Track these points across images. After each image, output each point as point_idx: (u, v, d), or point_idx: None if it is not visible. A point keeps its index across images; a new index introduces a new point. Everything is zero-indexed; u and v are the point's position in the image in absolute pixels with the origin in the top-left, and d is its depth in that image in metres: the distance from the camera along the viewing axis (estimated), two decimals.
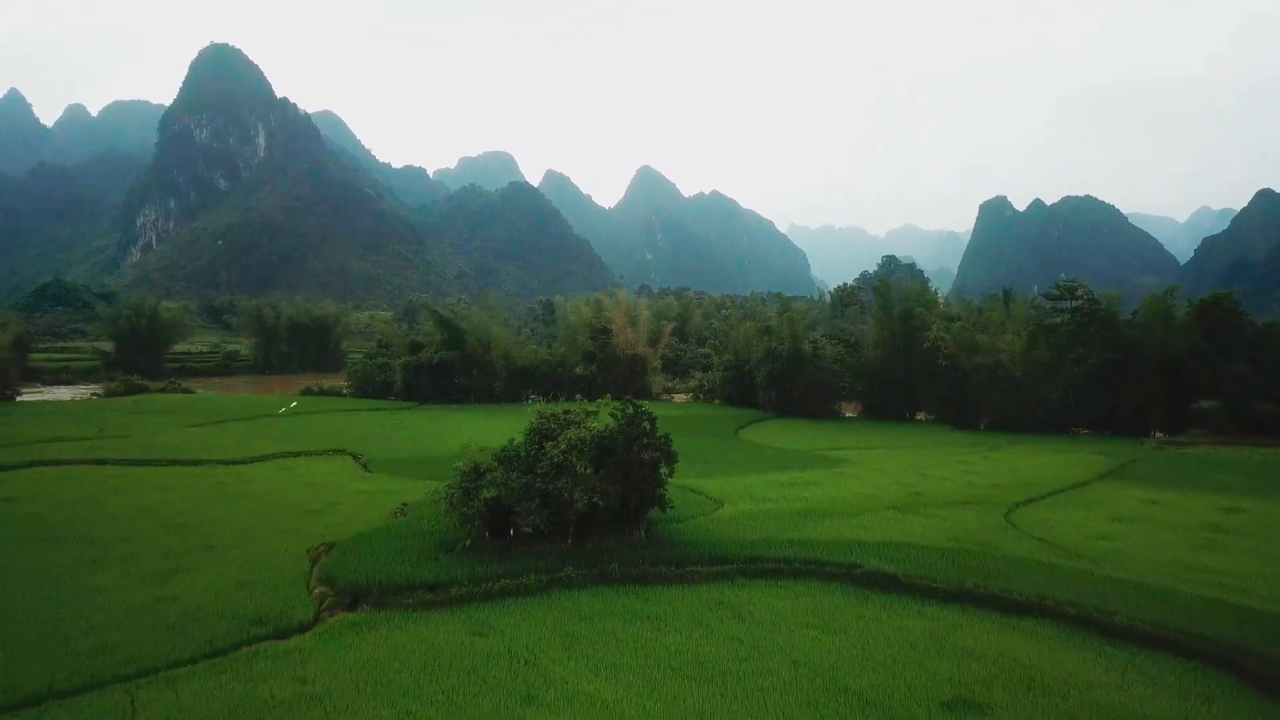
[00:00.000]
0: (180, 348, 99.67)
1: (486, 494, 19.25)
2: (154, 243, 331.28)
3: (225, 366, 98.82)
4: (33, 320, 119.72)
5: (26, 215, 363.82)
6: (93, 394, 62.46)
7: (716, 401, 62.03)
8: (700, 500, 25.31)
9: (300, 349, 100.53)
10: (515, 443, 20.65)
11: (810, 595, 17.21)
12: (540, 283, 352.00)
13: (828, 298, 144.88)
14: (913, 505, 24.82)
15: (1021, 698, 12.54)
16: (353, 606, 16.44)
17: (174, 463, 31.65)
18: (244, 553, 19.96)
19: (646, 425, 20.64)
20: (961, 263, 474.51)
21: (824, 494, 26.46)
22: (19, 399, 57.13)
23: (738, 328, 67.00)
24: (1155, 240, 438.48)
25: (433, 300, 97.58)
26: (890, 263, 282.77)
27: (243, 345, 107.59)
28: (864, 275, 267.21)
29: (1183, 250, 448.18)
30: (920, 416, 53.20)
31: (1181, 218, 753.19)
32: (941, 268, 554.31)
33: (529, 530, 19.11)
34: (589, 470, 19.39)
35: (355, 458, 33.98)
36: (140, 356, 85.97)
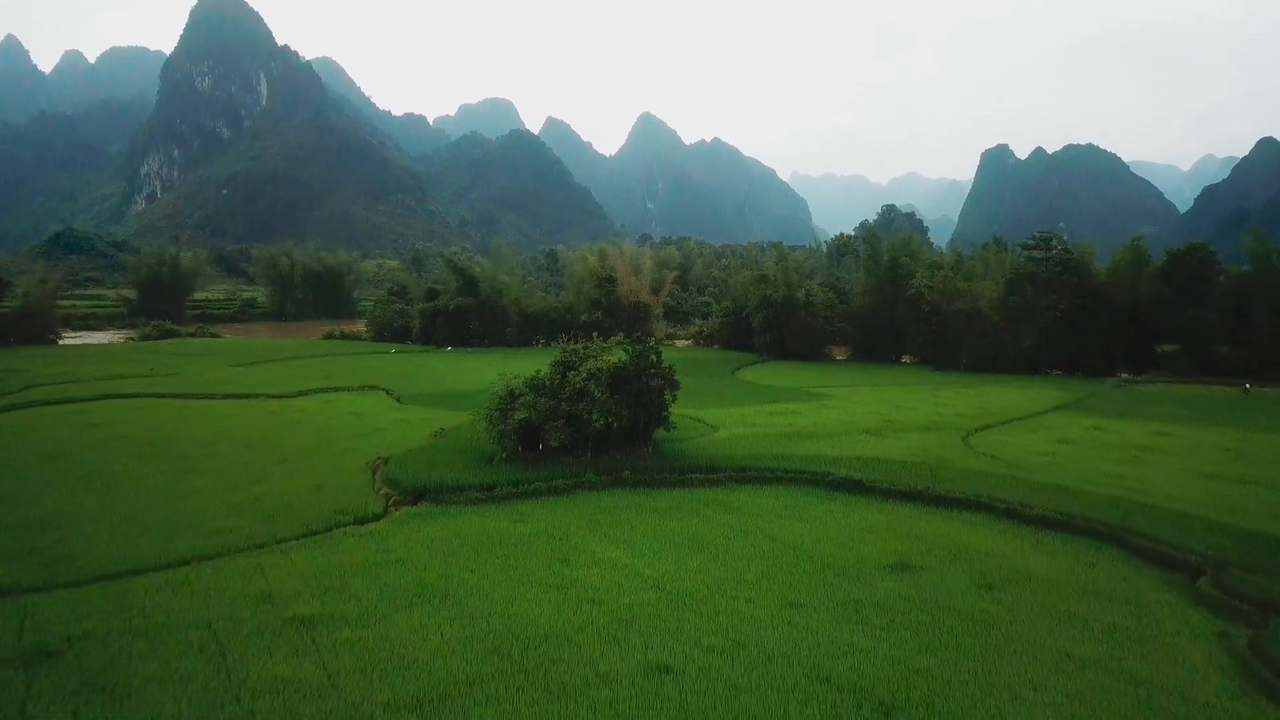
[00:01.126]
0: (199, 295, 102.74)
1: (519, 415, 22.70)
2: (158, 192, 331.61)
3: (243, 313, 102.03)
4: (49, 268, 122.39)
5: (29, 164, 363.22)
6: (127, 338, 65.78)
7: (715, 346, 65.28)
8: (699, 425, 28.75)
9: (315, 296, 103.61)
10: (542, 373, 24.03)
11: (789, 495, 20.74)
12: (541, 231, 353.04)
13: (824, 247, 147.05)
14: (884, 430, 28.30)
15: (948, 563, 16.05)
16: (414, 503, 19.97)
17: (228, 396, 35.10)
18: (312, 465, 23.48)
19: (654, 358, 23.99)
20: (962, 211, 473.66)
21: (807, 421, 29.94)
22: (60, 342, 60.44)
23: (736, 276, 69.96)
24: (1156, 189, 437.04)
25: (445, 250, 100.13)
26: (890, 212, 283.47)
27: (259, 293, 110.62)
28: (863, 224, 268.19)
29: (1186, 199, 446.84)
30: (905, 359, 56.48)
31: (1186, 166, 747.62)
32: (943, 216, 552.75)
33: (555, 444, 22.62)
34: (605, 395, 22.78)
35: (388, 392, 37.45)
36: (163, 303, 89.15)
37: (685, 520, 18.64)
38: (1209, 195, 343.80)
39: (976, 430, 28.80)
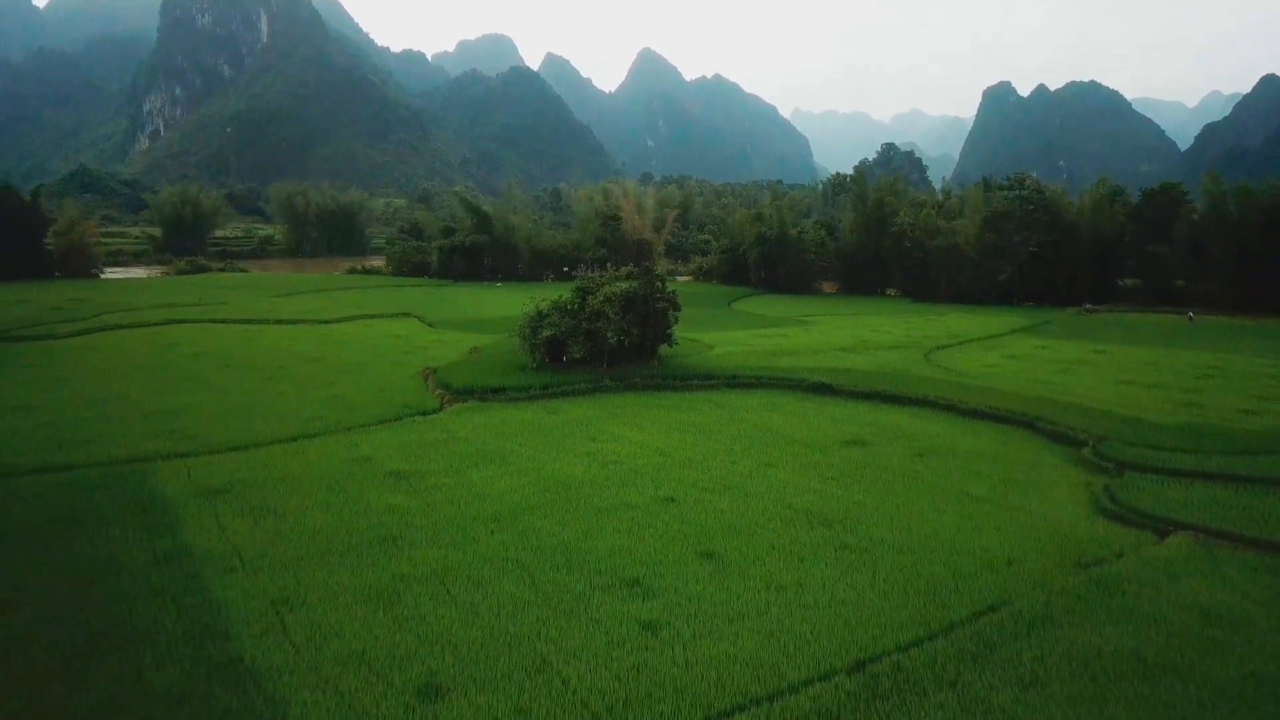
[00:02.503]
0: (218, 233, 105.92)
1: (546, 332, 26.77)
2: (161, 129, 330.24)
3: (261, 250, 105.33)
4: (82, 207, 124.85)
5: (30, 101, 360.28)
6: (163, 273, 69.49)
7: (714, 281, 68.89)
8: (697, 345, 32.79)
9: (329, 234, 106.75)
10: (564, 298, 27.98)
11: (770, 396, 24.89)
12: (543, 170, 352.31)
13: (820, 186, 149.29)
14: (857, 348, 32.38)
15: (891, 440, 20.22)
16: (463, 401, 24.13)
17: (278, 322, 39.08)
18: (371, 374, 27.62)
19: (659, 284, 27.94)
20: (963, 149, 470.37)
21: (791, 342, 34.02)
22: (101, 276, 64.17)
23: (734, 215, 73.22)
24: (1157, 126, 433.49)
25: (457, 189, 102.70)
26: (889, 150, 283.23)
27: (275, 230, 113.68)
28: (863, 162, 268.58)
29: (1190, 136, 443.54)
30: (890, 292, 60.24)
31: (1192, 102, 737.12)
32: (944, 154, 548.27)
33: (577, 356, 26.73)
34: (618, 316, 26.78)
35: (420, 319, 41.44)
36: (186, 240, 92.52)
37: (685, 413, 22.83)
38: (1209, 133, 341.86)
39: (938, 348, 32.87)
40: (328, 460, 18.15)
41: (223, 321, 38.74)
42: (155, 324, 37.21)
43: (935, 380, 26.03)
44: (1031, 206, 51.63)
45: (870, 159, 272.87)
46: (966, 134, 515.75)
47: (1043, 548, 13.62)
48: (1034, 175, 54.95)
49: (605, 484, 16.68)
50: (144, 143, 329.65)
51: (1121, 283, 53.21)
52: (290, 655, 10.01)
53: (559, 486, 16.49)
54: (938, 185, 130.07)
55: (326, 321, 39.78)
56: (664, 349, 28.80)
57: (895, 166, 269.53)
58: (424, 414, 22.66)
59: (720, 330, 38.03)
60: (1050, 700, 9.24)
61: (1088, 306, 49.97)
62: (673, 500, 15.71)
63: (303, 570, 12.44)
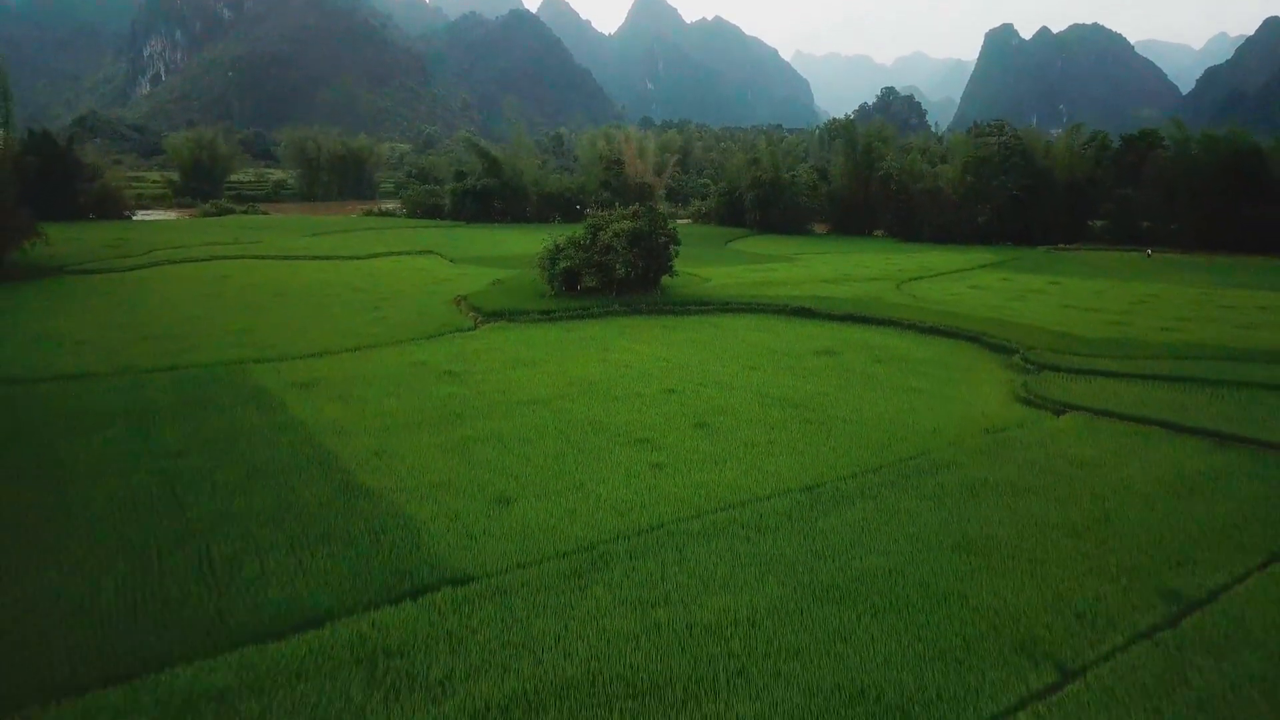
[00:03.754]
0: (232, 177, 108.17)
1: (562, 264, 30.20)
2: (162, 74, 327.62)
3: (274, 194, 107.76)
4: (110, 152, 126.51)
5: (29, 45, 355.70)
6: (190, 215, 72.43)
7: (712, 223, 71.79)
8: (695, 278, 36.17)
9: (339, 178, 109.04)
10: (578, 234, 31.33)
11: (757, 319, 28.44)
12: (543, 114, 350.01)
13: (817, 131, 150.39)
14: (838, 280, 35.81)
15: (856, 351, 23.79)
16: (492, 321, 27.69)
17: (314, 258, 42.41)
18: (409, 301, 31.12)
19: (661, 221, 31.27)
20: (964, 93, 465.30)
21: (779, 275, 37.45)
22: (134, 218, 67.10)
23: (732, 159, 75.79)
24: (1159, 70, 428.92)
25: (465, 134, 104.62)
26: (889, 94, 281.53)
27: (288, 175, 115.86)
28: (863, 107, 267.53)
29: (1194, 80, 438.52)
30: (877, 233, 63.26)
31: (1198, 45, 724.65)
32: (946, 97, 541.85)
33: (590, 286, 30.21)
34: (626, 249, 30.16)
35: (441, 255, 44.76)
36: (204, 184, 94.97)
37: (683, 331, 26.41)
38: (1211, 76, 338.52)
39: (910, 280, 36.30)
40: (388, 364, 21.79)
41: (263, 258, 42.05)
42: (203, 260, 40.54)
43: (902, 305, 29.55)
44: (1009, 152, 54.45)
45: (870, 103, 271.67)
46: (969, 77, 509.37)
47: (962, 422, 17.31)
48: (1011, 122, 57.49)
49: (618, 381, 20.34)
50: (145, 87, 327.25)
51: (1092, 224, 56.29)
52: (396, 481, 13.73)
53: (581, 382, 20.14)
54: (941, 129, 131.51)
55: (358, 257, 43.09)
56: (665, 279, 32.25)
57: (894, 111, 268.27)
58: (461, 331, 26.25)
59: (716, 266, 41.37)
60: (940, 507, 12.97)
61: (1060, 246, 53.14)
62: (673, 391, 19.38)
63: (390, 435, 16.14)
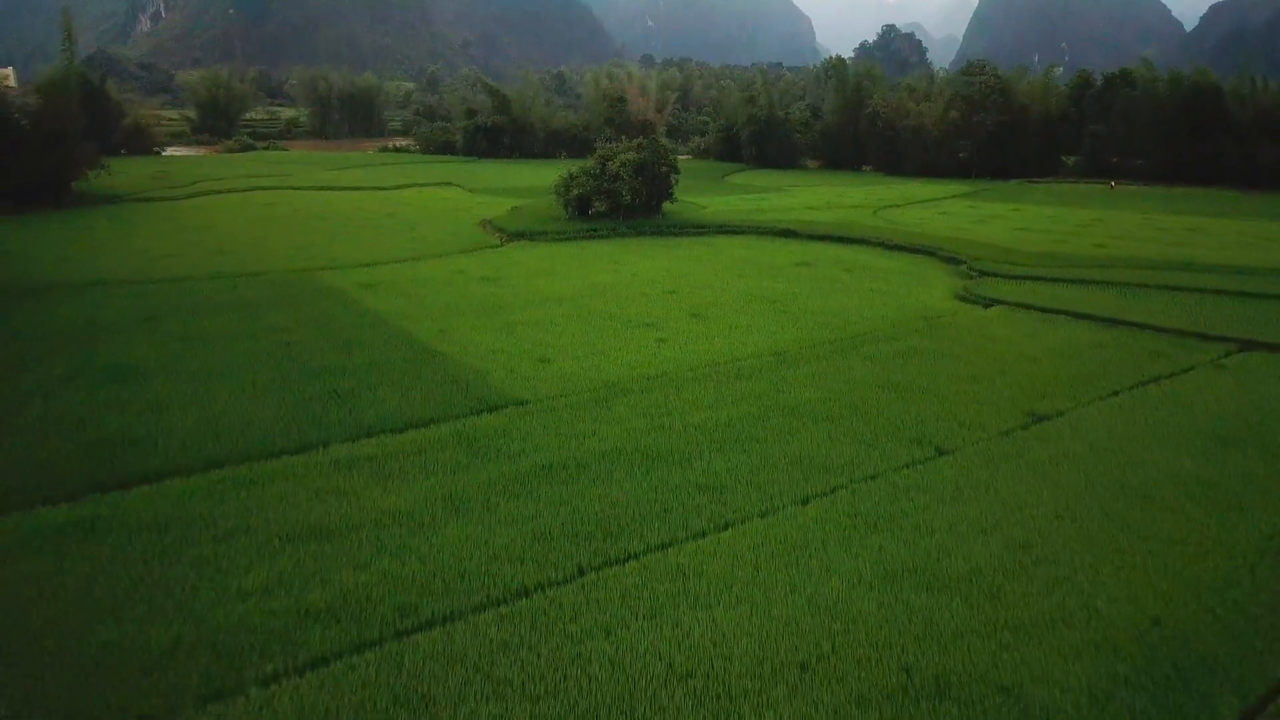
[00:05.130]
0: (246, 115, 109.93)
1: (575, 191, 33.59)
2: (162, 11, 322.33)
3: (287, 132, 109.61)
4: (131, 90, 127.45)
5: None
6: (214, 151, 75.12)
7: (711, 158, 74.47)
8: (694, 206, 39.49)
9: (350, 116, 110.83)
10: (589, 164, 34.62)
11: (747, 239, 31.97)
12: (543, 53, 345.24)
13: (815, 69, 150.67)
14: (822, 208, 39.18)
15: (830, 262, 27.39)
16: (515, 241, 31.23)
17: (345, 189, 45.60)
18: (440, 224, 34.57)
19: (664, 153, 34.55)
20: (967, 31, 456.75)
21: (770, 203, 40.80)
22: (163, 154, 69.82)
23: (730, 97, 78.05)
24: (1164, 6, 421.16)
25: (469, 73, 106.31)
26: (889, 32, 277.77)
27: (300, 113, 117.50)
28: (863, 45, 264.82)
29: (1198, 17, 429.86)
30: (865, 168, 66.08)
31: None
32: (950, 35, 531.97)
33: (600, 210, 33.64)
34: (631, 177, 33.49)
35: (460, 186, 47.96)
36: (219, 122, 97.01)
37: (682, 249, 29.98)
38: (1214, 13, 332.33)
39: (887, 207, 39.65)
40: (434, 272, 25.44)
41: (298, 188, 45.25)
42: (245, 190, 43.75)
43: (875, 227, 33.03)
44: (989, 91, 57.04)
45: (870, 41, 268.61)
46: (973, 14, 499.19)
47: (907, 312, 21.05)
48: (1013, 61, 59.84)
49: (627, 285, 24.01)
50: (145, 24, 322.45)
51: (1066, 159, 59.18)
52: (460, 349, 17.51)
53: (597, 286, 23.82)
54: (942, 67, 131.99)
55: (384, 188, 46.28)
56: (667, 205, 35.65)
57: (895, 49, 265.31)
58: (490, 248, 29.83)
59: (713, 196, 44.63)
60: (874, 364, 16.75)
61: (1032, 179, 56.18)
62: (673, 292, 23.06)
63: (447, 319, 19.88)
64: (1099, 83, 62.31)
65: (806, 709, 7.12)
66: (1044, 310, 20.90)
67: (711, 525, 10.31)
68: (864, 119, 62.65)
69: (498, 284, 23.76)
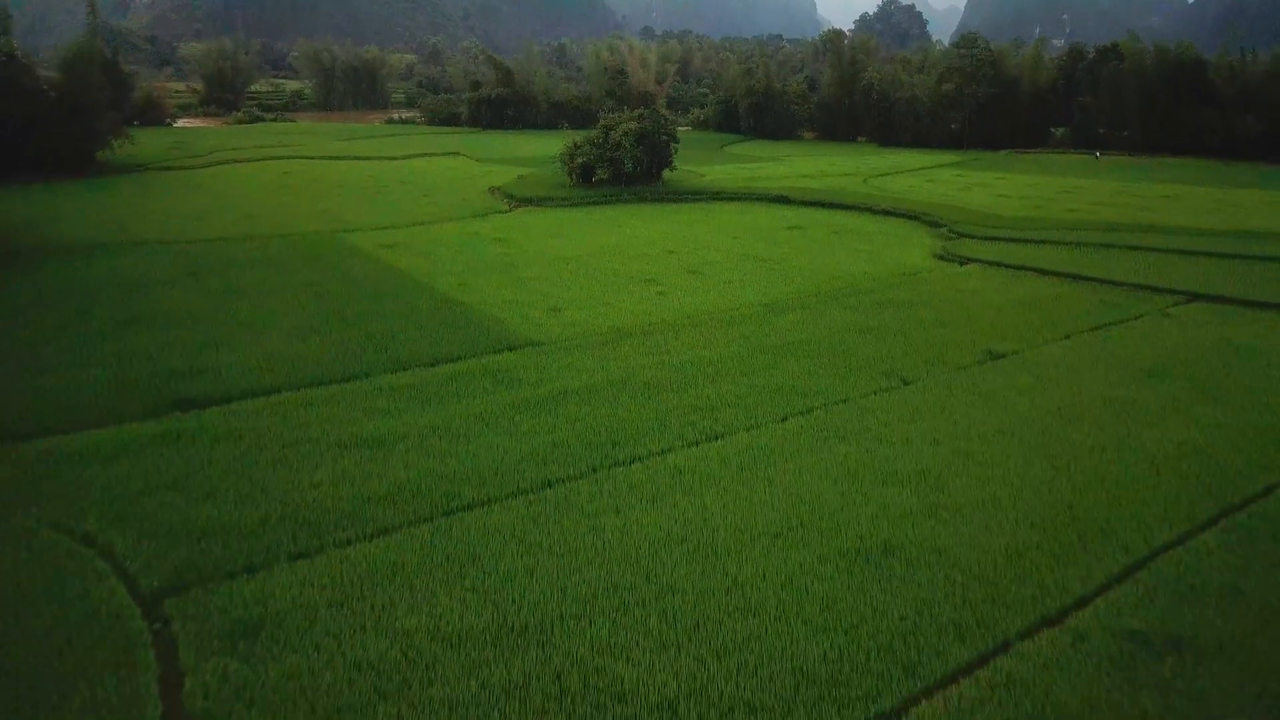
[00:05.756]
0: (251, 88, 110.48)
1: (580, 160, 34.99)
2: None
3: (292, 104, 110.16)
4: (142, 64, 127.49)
5: None
6: (224, 123, 76.14)
7: (710, 129, 75.40)
8: (693, 174, 40.81)
9: (353, 88, 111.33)
10: (593, 133, 35.97)
11: (742, 204, 33.43)
12: (543, 24, 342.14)
13: (813, 42, 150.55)
14: (815, 176, 40.55)
15: (821, 226, 28.88)
16: (523, 206, 32.71)
17: (357, 159, 46.88)
18: (449, 191, 35.95)
19: (664, 122, 35.90)
20: (968, 2, 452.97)
21: (765, 172, 42.16)
22: (175, 126, 70.84)
23: (729, 69, 78.87)
24: None
25: (470, 45, 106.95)
26: (890, 4, 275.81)
27: (304, 85, 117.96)
28: (864, 17, 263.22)
29: None
30: (860, 139, 67.12)
31: None
32: (951, 6, 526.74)
33: (603, 178, 35.06)
34: (633, 146, 34.87)
35: (468, 156, 49.22)
36: (225, 94, 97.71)
37: (681, 214, 31.46)
38: None
39: (877, 176, 41.01)
40: (449, 234, 26.97)
41: (312, 158, 46.52)
42: (260, 160, 45.04)
43: (865, 194, 34.47)
44: (980, 64, 58.03)
45: (870, 13, 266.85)
46: None
47: (888, 270, 22.62)
48: (1014, 33, 60.67)
49: (629, 246, 25.55)
50: None
51: (1055, 131, 60.30)
52: (479, 300, 19.11)
53: (601, 247, 25.35)
54: (943, 39, 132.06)
55: (394, 158, 47.56)
56: (667, 173, 37.04)
57: (895, 21, 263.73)
58: (499, 213, 31.31)
59: (712, 165, 45.91)
60: (854, 312, 18.36)
61: (1021, 150, 57.34)
62: (672, 252, 24.62)
63: (465, 275, 21.44)
64: (1091, 55, 63.14)
65: (777, 563, 8.84)
66: (1014, 267, 22.48)
67: (703, 437, 12.01)
68: (859, 91, 63.64)
69: (509, 245, 25.31)
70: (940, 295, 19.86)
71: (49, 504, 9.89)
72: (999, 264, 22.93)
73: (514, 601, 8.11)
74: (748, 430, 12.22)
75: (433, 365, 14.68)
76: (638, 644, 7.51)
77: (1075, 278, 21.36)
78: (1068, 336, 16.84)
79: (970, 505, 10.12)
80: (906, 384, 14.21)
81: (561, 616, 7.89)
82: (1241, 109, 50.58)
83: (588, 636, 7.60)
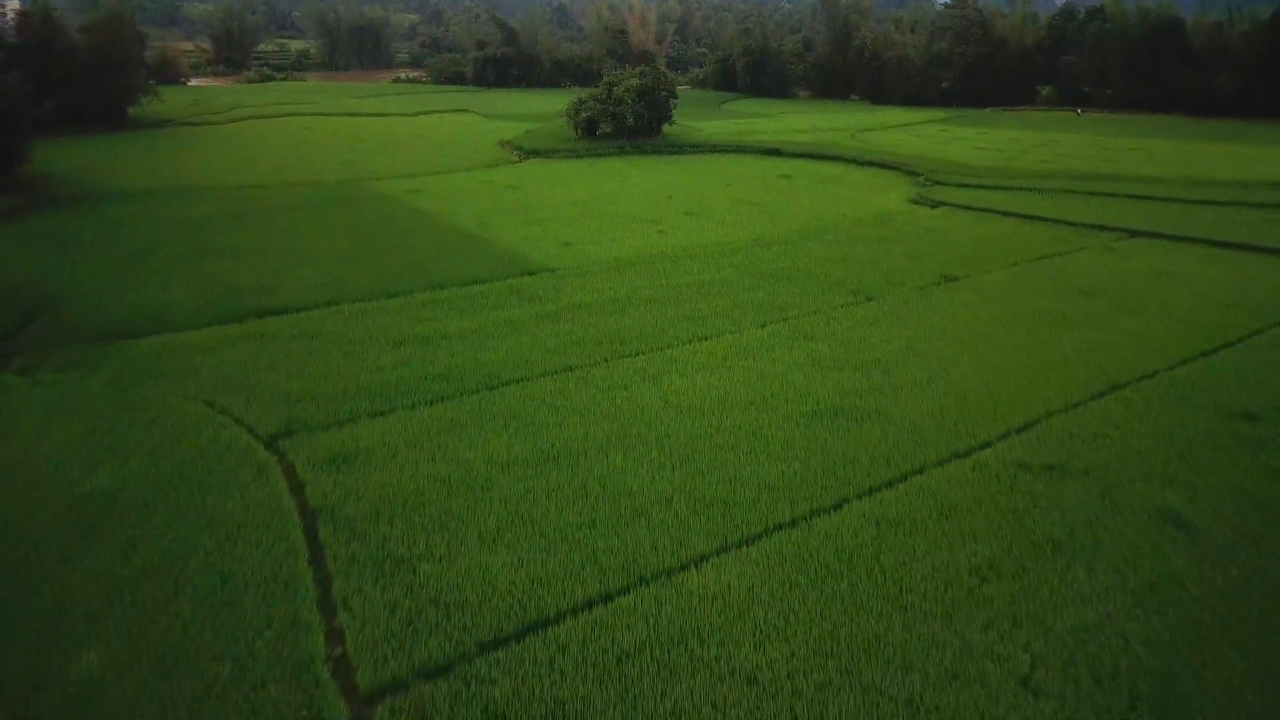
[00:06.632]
0: (258, 47, 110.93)
1: (585, 114, 36.75)
2: None
3: (298, 64, 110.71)
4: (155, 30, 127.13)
5: None
6: (237, 82, 77.21)
7: (708, 88, 76.50)
8: (691, 129, 42.49)
9: (358, 48, 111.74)
10: (597, 90, 37.67)
11: (737, 156, 35.25)
12: None
13: (810, 1, 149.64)
14: (807, 131, 42.27)
15: (809, 175, 30.79)
16: (531, 158, 34.58)
17: (370, 115, 48.47)
18: (463, 145, 37.77)
19: (664, 79, 37.59)
20: None
21: (760, 127, 43.86)
22: (189, 84, 72.03)
23: (727, 29, 79.72)
24: None
25: (472, 3, 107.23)
26: None
27: (310, 45, 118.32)
28: None
29: None
30: (853, 97, 68.40)
31: None
32: None
33: (606, 131, 36.86)
34: (634, 101, 36.61)
35: (476, 113, 50.82)
36: (234, 54, 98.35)
37: (679, 165, 33.38)
38: None
39: (865, 131, 42.76)
40: (465, 182, 28.94)
41: (328, 115, 48.12)
42: (279, 116, 46.67)
43: (852, 147, 36.31)
44: (969, 23, 59.20)
45: None
46: None
47: (867, 212, 24.67)
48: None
49: (631, 192, 27.56)
50: None
51: (1040, 90, 61.67)
52: (498, 236, 21.19)
53: (605, 194, 27.35)
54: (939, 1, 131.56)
55: (406, 115, 49.16)
56: (666, 128, 38.83)
57: None
58: (510, 164, 33.21)
59: (709, 121, 47.52)
60: (832, 246, 20.47)
61: (1006, 107, 58.78)
62: (671, 197, 26.64)
63: (484, 216, 23.49)
64: (1081, 16, 64.17)
65: (751, 420, 11.12)
66: (979, 210, 24.55)
67: (695, 337, 14.25)
68: (852, 50, 64.80)
69: (521, 191, 27.32)
70: (909, 233, 21.96)
71: (170, 382, 12.17)
72: (967, 207, 24.98)
73: (549, 441, 10.42)
74: (733, 333, 14.45)
75: (465, 285, 16.86)
76: (643, 466, 9.84)
77: (1033, 218, 23.43)
78: (1015, 264, 19.00)
79: (909, 384, 12.39)
80: (870, 300, 16.41)
81: (585, 450, 10.21)
82: (1218, 68, 51.98)
83: (605, 461, 9.92)
